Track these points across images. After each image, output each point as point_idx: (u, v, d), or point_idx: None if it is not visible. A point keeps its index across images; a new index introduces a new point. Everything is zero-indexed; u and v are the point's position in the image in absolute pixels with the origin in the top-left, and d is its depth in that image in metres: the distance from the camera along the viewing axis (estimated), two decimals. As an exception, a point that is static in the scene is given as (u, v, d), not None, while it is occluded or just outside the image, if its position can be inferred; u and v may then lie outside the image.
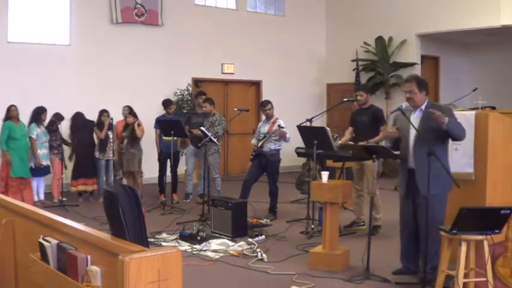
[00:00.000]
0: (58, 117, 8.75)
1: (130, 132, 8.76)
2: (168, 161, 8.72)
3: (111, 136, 8.96)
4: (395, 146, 4.90)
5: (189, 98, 11.14)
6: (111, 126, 8.98)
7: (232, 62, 12.27)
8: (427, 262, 4.47)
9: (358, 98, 6.80)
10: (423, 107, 4.67)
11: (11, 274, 3.11)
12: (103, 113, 8.96)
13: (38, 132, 8.39)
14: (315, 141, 6.50)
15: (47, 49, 9.96)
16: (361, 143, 6.27)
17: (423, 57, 12.28)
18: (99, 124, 8.94)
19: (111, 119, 9.02)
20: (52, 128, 8.70)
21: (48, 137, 8.61)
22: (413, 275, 4.86)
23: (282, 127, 7.48)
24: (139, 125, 8.75)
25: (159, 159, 8.95)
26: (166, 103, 9.07)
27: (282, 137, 7.51)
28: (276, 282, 4.90)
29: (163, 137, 8.66)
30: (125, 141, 8.87)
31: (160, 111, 9.45)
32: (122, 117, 9.12)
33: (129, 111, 8.92)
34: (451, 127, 4.41)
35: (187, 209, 8.14)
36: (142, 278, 1.98)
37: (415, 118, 4.68)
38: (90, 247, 2.30)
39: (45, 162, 8.52)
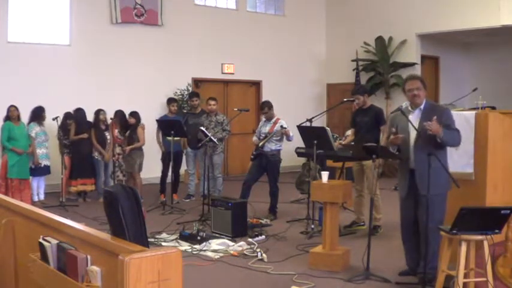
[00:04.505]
0: (69, 117, 8.86)
1: (132, 134, 8.75)
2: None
3: (108, 137, 8.95)
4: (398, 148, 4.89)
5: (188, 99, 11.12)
6: (108, 127, 8.97)
7: (232, 62, 12.26)
8: (427, 262, 4.47)
9: (356, 101, 6.82)
10: (422, 106, 4.67)
11: (11, 274, 3.11)
12: (100, 111, 8.96)
13: (36, 130, 8.38)
14: (315, 141, 6.50)
15: (47, 49, 9.95)
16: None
17: (423, 57, 12.28)
18: (96, 124, 8.93)
19: (111, 119, 9.03)
20: (65, 127, 8.77)
21: (49, 136, 8.62)
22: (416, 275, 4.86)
23: (284, 127, 7.47)
24: (142, 128, 8.72)
25: (161, 159, 8.95)
26: (170, 100, 9.18)
27: (286, 135, 7.50)
28: (276, 282, 4.90)
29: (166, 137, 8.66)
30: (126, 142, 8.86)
31: (160, 111, 9.44)
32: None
33: (130, 114, 8.90)
34: (444, 140, 4.45)
35: (187, 209, 8.13)
36: (143, 278, 1.98)
37: (414, 118, 4.65)
38: (90, 247, 2.29)
39: (45, 162, 8.51)
